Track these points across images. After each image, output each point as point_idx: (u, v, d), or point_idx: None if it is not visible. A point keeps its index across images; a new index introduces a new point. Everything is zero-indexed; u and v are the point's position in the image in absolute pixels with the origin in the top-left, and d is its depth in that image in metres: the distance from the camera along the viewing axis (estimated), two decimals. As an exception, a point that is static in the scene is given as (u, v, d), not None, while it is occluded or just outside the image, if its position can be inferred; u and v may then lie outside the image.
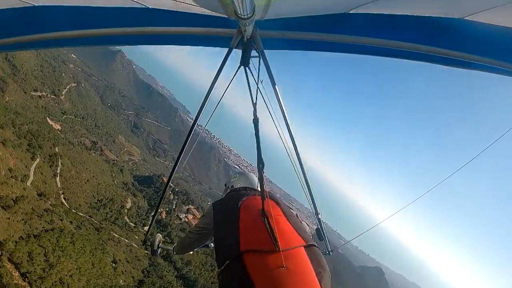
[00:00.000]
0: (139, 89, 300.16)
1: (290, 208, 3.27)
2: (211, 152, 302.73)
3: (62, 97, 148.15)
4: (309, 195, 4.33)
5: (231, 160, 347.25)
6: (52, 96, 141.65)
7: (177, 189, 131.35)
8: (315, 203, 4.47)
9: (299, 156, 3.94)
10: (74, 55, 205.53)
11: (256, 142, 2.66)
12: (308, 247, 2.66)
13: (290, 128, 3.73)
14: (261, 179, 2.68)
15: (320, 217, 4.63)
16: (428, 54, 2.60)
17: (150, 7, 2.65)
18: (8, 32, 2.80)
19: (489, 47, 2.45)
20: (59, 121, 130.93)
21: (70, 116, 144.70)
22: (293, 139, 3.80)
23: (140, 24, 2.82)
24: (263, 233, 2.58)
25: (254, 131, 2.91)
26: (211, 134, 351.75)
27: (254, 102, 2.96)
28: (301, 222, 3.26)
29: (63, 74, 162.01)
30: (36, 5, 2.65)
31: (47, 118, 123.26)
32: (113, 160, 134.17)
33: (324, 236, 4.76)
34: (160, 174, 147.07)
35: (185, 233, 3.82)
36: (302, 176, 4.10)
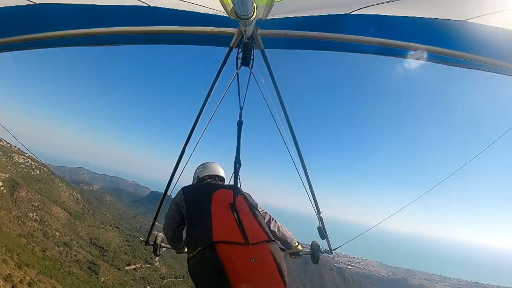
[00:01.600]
0: None
1: (256, 206, 3.52)
2: (320, 263, 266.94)
3: (156, 263, 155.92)
4: (310, 195, 4.40)
5: (342, 262, 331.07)
6: (147, 265, 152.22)
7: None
8: (316, 202, 4.51)
9: (300, 156, 4.03)
10: (156, 222, 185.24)
11: (237, 143, 2.85)
12: (269, 242, 2.94)
13: (291, 127, 3.75)
14: (236, 177, 2.94)
15: (322, 215, 4.61)
16: (428, 54, 2.65)
17: (151, 5, 2.71)
18: (9, 30, 2.79)
19: (489, 48, 2.55)
20: (160, 287, 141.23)
21: (170, 279, 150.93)
22: (295, 138, 3.86)
23: (141, 23, 2.78)
24: (234, 226, 2.85)
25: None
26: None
27: (241, 104, 3.13)
28: (263, 218, 3.48)
29: (151, 242, 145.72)
30: (37, 3, 2.67)
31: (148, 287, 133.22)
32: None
33: (326, 235, 4.71)
34: None
35: (163, 231, 3.87)
36: (304, 175, 4.19)
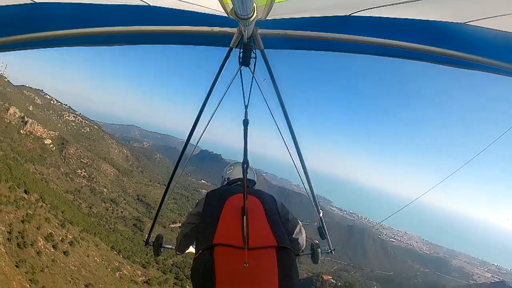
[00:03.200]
0: (275, 194, 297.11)
1: (279, 209, 3.41)
2: (364, 234, 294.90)
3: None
4: (310, 195, 4.53)
5: (385, 234, 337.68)
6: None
7: (339, 284, 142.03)
8: (316, 203, 4.68)
9: (300, 156, 4.06)
10: (204, 180, 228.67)
11: (244, 142, 2.80)
12: (279, 248, 2.75)
13: (292, 127, 3.78)
14: (244, 178, 2.77)
15: (321, 215, 4.69)
16: (428, 54, 2.68)
17: (151, 4, 2.68)
18: (8, 30, 2.77)
19: (489, 48, 2.58)
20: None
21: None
22: (295, 138, 3.89)
23: (141, 23, 2.81)
24: (237, 230, 2.71)
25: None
26: (357, 215, 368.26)
27: (246, 103, 3.15)
28: (288, 220, 3.45)
29: (197, 200, 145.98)
30: (37, 1, 2.65)
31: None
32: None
33: (326, 235, 4.78)
34: (318, 273, 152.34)
35: (181, 225, 3.78)
36: (304, 175, 4.26)
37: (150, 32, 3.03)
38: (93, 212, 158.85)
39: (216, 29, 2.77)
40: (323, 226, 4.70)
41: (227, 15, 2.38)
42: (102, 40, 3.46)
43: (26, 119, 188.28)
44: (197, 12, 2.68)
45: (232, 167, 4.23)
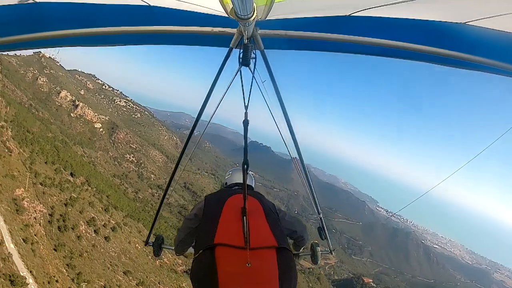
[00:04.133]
0: (322, 190, 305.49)
1: (278, 211, 3.41)
2: (408, 238, 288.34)
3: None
4: (311, 195, 4.48)
5: (429, 240, 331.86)
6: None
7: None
8: (316, 203, 4.60)
9: (300, 156, 4.09)
10: (252, 172, 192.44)
11: (244, 143, 2.82)
12: (280, 249, 2.77)
13: (292, 128, 3.76)
14: (244, 179, 2.76)
15: (321, 216, 4.69)
16: (428, 54, 2.66)
17: (151, 4, 2.71)
18: (8, 29, 2.78)
19: (488, 48, 2.60)
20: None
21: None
22: (295, 138, 3.86)
23: (141, 23, 2.77)
24: (238, 230, 2.72)
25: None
26: (402, 218, 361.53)
27: (246, 104, 3.16)
28: (285, 222, 3.42)
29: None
30: (37, 1, 2.69)
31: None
32: (308, 269, 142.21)
33: (326, 236, 4.74)
34: (359, 274, 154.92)
35: (178, 230, 3.85)
36: (304, 176, 4.30)
37: (150, 32, 3.03)
38: (139, 197, 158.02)
39: (216, 29, 2.76)
40: (323, 227, 4.70)
41: (227, 15, 2.38)
42: (102, 40, 3.48)
43: (77, 102, 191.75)
44: (197, 12, 2.71)
45: (230, 172, 4.25)
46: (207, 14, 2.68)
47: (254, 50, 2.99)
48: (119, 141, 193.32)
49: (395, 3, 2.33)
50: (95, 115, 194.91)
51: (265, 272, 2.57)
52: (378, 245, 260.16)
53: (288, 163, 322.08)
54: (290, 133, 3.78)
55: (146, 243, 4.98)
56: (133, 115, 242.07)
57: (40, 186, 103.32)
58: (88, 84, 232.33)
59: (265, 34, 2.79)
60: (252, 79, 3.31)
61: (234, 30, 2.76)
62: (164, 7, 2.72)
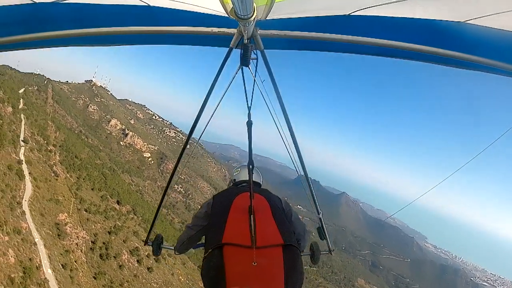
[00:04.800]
0: (370, 226, 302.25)
1: (285, 207, 3.40)
2: (457, 275, 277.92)
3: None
4: (310, 195, 4.52)
5: (478, 277, 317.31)
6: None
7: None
8: (316, 203, 4.64)
9: (300, 157, 4.06)
10: (300, 206, 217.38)
11: (248, 143, 2.91)
12: (286, 246, 2.80)
13: (292, 128, 3.77)
14: (250, 178, 2.86)
15: (321, 216, 4.70)
16: (428, 54, 2.67)
17: (151, 5, 2.71)
18: (8, 30, 2.78)
19: (488, 48, 2.59)
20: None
21: (305, 267, 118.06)
22: (295, 139, 3.85)
23: (141, 23, 2.81)
24: (245, 229, 2.74)
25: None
26: (451, 254, 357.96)
27: (249, 104, 3.22)
28: (291, 223, 3.38)
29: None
30: (37, 2, 2.66)
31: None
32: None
33: (325, 236, 4.80)
34: None
35: (186, 228, 3.74)
36: (304, 176, 4.32)
37: (150, 33, 3.04)
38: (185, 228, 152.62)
39: (216, 29, 2.79)
40: (322, 227, 4.73)
41: (227, 15, 2.39)
42: (103, 40, 3.46)
43: (127, 131, 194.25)
44: (197, 12, 2.72)
45: (239, 169, 4.21)
46: (207, 14, 2.69)
47: (255, 50, 3.00)
48: (168, 171, 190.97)
49: (394, 2, 2.33)
50: (145, 145, 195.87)
51: (271, 270, 2.61)
52: (426, 283, 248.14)
53: (336, 197, 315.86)
54: (290, 134, 3.75)
55: (146, 242, 4.93)
56: (182, 146, 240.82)
57: (84, 212, 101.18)
58: (139, 114, 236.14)
59: (265, 34, 2.80)
60: (254, 80, 3.35)
61: (234, 30, 2.78)
62: (164, 7, 2.73)
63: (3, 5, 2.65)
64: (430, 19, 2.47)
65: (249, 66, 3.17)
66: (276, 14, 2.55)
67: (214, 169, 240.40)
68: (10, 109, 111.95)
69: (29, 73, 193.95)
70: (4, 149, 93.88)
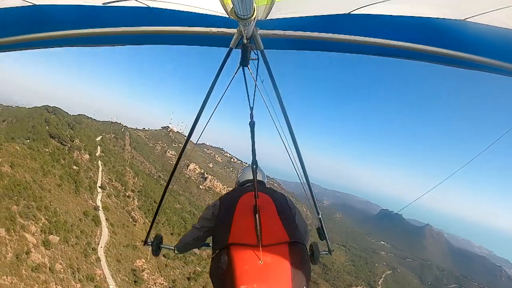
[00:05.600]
0: (456, 257, 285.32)
1: (290, 205, 3.45)
2: None
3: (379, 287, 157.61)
4: (310, 196, 4.52)
5: None
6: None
7: None
8: (316, 204, 4.63)
9: (300, 157, 4.01)
10: (383, 241, 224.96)
11: (252, 144, 2.93)
12: (292, 243, 2.85)
13: (292, 129, 3.74)
14: (254, 178, 2.89)
15: (320, 217, 4.71)
16: (428, 54, 2.69)
17: (151, 6, 2.73)
18: (8, 31, 2.80)
19: (489, 48, 2.58)
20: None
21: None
22: (294, 139, 3.83)
23: (141, 24, 2.81)
24: (251, 228, 2.80)
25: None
26: None
27: (251, 105, 3.28)
28: (296, 219, 3.41)
29: (376, 264, 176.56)
30: (37, 4, 2.70)
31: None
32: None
33: (325, 236, 4.82)
34: None
35: (190, 229, 3.83)
36: (303, 177, 4.25)
37: (151, 33, 3.03)
38: None
39: (216, 29, 2.80)
40: (322, 227, 4.73)
41: (227, 16, 2.41)
42: (103, 40, 3.49)
43: (206, 175, 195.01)
44: (197, 13, 2.73)
45: (242, 169, 4.34)
46: (207, 14, 2.70)
47: (255, 51, 2.99)
48: None
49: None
50: (224, 187, 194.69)
51: (277, 268, 2.63)
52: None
53: (420, 230, 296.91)
54: (290, 134, 3.73)
55: (145, 242, 4.90)
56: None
57: (163, 258, 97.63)
58: (217, 157, 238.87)
59: (265, 34, 2.80)
60: (255, 80, 3.32)
61: (234, 30, 2.77)
62: (163, 9, 2.73)
63: (3, 7, 2.68)
64: (430, 17, 2.46)
65: (249, 66, 3.15)
66: (276, 14, 2.55)
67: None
68: (87, 156, 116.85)
69: (105, 121, 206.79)
70: (81, 196, 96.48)
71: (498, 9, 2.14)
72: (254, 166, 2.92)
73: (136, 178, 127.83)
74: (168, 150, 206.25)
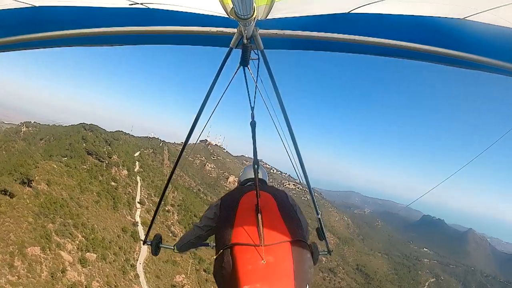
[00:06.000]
0: (500, 262, 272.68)
1: (291, 203, 3.47)
2: None
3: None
4: (310, 196, 4.56)
5: None
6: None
7: None
8: (315, 204, 4.65)
9: (300, 157, 3.99)
10: (426, 248, 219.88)
11: (253, 143, 2.99)
12: (294, 242, 2.86)
13: (292, 129, 3.72)
14: (256, 178, 2.97)
15: (320, 217, 4.70)
16: (428, 53, 2.71)
17: (150, 7, 2.73)
18: (8, 32, 2.85)
19: (489, 47, 2.58)
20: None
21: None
22: (294, 139, 3.81)
23: (141, 24, 2.87)
24: (254, 228, 2.84)
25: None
26: None
27: (252, 105, 3.29)
28: (299, 217, 3.40)
29: (419, 272, 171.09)
30: (36, 5, 2.70)
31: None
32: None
33: (324, 237, 4.85)
34: None
35: (191, 228, 3.90)
36: (303, 177, 4.25)
37: (151, 33, 3.07)
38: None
39: (216, 29, 2.81)
40: (321, 227, 4.75)
41: (227, 15, 2.41)
42: (103, 40, 3.49)
43: None
44: (197, 13, 2.73)
45: (243, 169, 4.33)
46: (207, 15, 2.69)
47: (255, 50, 3.00)
48: None
49: None
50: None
51: (280, 267, 2.66)
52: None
53: (462, 235, 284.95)
54: (290, 134, 3.71)
55: (144, 242, 4.91)
56: (302, 197, 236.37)
57: (203, 273, 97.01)
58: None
59: (265, 34, 2.81)
60: (256, 80, 3.34)
61: (234, 30, 2.78)
62: (163, 10, 2.73)
63: (3, 9, 2.68)
64: (430, 16, 2.45)
65: (249, 66, 3.17)
66: (276, 13, 2.54)
67: (336, 218, 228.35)
68: (125, 172, 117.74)
69: (143, 137, 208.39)
70: (119, 212, 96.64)
71: (498, 7, 2.12)
72: (256, 166, 2.94)
73: (176, 192, 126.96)
74: (207, 163, 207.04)
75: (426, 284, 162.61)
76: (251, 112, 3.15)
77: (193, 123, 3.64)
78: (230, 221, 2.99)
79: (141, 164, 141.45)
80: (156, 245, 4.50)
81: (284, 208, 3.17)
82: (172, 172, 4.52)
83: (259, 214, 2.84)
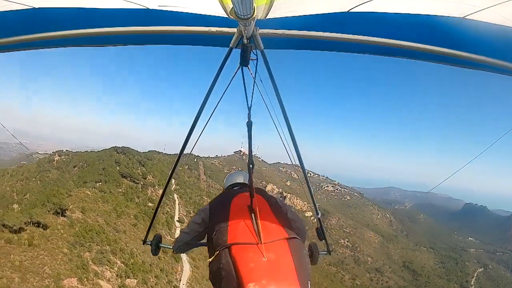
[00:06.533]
0: None
1: (280, 204, 3.51)
2: None
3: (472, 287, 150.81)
4: (309, 196, 4.62)
5: None
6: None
7: None
8: (315, 204, 4.74)
9: (300, 157, 4.04)
10: (471, 237, 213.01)
11: (248, 143, 3.08)
12: (290, 239, 2.93)
13: (291, 129, 3.77)
14: (250, 178, 3.05)
15: (319, 217, 4.74)
16: (428, 53, 2.70)
17: (150, 8, 2.73)
18: (9, 33, 2.85)
19: (489, 47, 2.57)
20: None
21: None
22: (294, 139, 3.87)
23: (141, 24, 2.87)
24: (250, 228, 2.89)
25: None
26: None
27: (249, 105, 3.37)
28: (290, 217, 3.46)
29: (466, 263, 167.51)
30: (36, 7, 2.73)
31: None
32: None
33: (324, 237, 4.92)
34: None
35: (181, 232, 3.96)
36: (303, 177, 4.39)
37: (151, 33, 3.09)
38: (357, 284, 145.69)
39: (216, 29, 2.81)
40: (321, 228, 4.81)
41: (227, 15, 2.42)
42: (104, 40, 3.52)
43: (284, 194, 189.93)
44: (197, 13, 2.74)
45: (228, 175, 4.44)
46: (207, 15, 2.71)
47: (255, 50, 3.01)
48: (332, 227, 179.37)
49: None
50: (305, 204, 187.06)
51: (281, 263, 2.69)
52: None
53: (506, 220, 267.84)
54: (290, 134, 3.77)
55: (144, 242, 4.99)
56: (342, 199, 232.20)
57: None
58: (293, 175, 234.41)
59: (265, 34, 2.81)
60: (255, 79, 3.37)
61: (234, 30, 2.79)
62: (163, 10, 2.73)
63: (3, 11, 2.68)
64: (430, 15, 2.44)
65: (249, 66, 3.19)
66: (275, 13, 2.55)
67: (378, 216, 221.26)
68: (161, 191, 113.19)
69: (177, 154, 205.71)
70: (158, 233, 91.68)
71: (498, 4, 2.10)
72: (251, 166, 3.02)
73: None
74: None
75: (475, 275, 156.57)
76: (248, 112, 3.21)
77: (193, 123, 3.62)
78: (223, 222, 3.01)
79: (178, 181, 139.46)
80: (156, 245, 4.53)
81: (275, 208, 3.24)
82: (171, 174, 4.56)
83: (254, 213, 2.88)
